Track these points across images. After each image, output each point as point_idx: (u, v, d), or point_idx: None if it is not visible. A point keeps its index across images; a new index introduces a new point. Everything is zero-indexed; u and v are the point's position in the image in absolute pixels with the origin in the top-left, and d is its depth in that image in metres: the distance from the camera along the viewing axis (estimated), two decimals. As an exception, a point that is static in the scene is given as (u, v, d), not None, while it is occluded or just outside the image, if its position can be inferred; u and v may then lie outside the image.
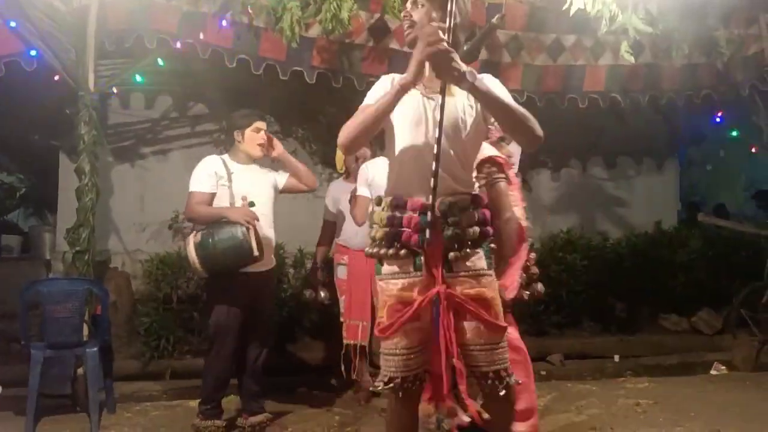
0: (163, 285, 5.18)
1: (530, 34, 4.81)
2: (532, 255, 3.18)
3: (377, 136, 2.35)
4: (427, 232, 2.08)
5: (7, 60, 4.22)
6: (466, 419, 2.41)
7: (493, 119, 2.24)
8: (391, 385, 2.18)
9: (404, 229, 2.16)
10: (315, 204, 5.05)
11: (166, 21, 4.33)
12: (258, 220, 3.51)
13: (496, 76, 2.32)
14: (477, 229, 2.19)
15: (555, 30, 4.81)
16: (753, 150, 8.35)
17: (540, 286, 3.14)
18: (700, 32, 4.86)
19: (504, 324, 2.22)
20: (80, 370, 4.08)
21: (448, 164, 2.17)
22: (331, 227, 4.49)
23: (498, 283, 2.36)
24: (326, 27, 4.15)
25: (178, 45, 4.41)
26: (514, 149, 3.12)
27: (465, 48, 2.37)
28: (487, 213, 2.26)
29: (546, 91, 4.94)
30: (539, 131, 2.12)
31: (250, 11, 4.28)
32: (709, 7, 4.76)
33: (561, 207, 6.80)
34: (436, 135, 2.08)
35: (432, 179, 2.06)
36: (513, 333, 2.84)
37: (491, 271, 2.25)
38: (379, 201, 2.29)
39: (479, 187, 2.67)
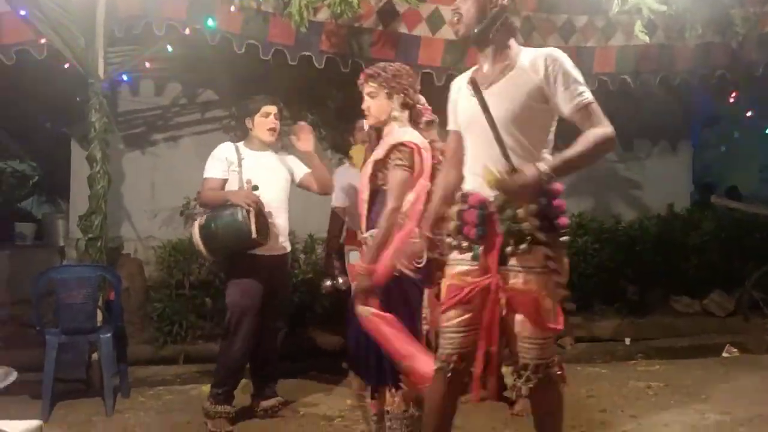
0: (175, 271, 5.23)
1: (542, 15, 4.76)
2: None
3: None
4: (479, 228, 2.22)
5: (17, 48, 4.23)
6: None
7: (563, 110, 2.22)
8: (440, 363, 2.30)
9: (466, 222, 2.28)
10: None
11: (175, 7, 4.33)
12: (260, 203, 3.50)
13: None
14: (536, 222, 2.17)
15: (567, 10, 4.76)
16: (768, 131, 8.25)
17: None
18: (715, 11, 4.78)
19: (549, 322, 2.23)
20: (94, 356, 4.14)
21: (498, 157, 2.18)
22: (341, 214, 4.48)
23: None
24: (335, 11, 4.13)
25: (187, 31, 4.40)
26: None
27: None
28: (556, 205, 2.22)
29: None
30: (611, 141, 2.17)
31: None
32: (725, -16, 4.69)
33: (573, 190, 6.72)
34: (485, 131, 2.19)
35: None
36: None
37: (548, 268, 2.22)
38: (459, 197, 2.40)
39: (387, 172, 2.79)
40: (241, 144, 3.75)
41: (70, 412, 3.87)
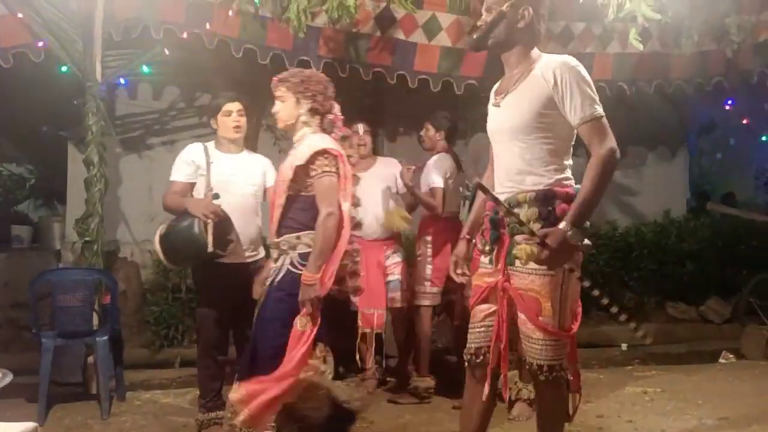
0: (171, 275, 5.22)
1: (540, 22, 4.78)
2: (356, 247, 3.11)
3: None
4: (492, 231, 2.36)
5: (14, 51, 4.23)
6: None
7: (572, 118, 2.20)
8: (466, 357, 2.45)
9: (486, 226, 2.42)
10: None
11: (173, 11, 4.33)
12: (220, 214, 3.32)
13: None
14: (538, 225, 2.22)
15: (565, 17, 4.77)
16: (764, 138, 8.29)
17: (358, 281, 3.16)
18: (711, 19, 4.80)
19: (546, 324, 2.25)
20: (90, 359, 4.13)
21: (512, 164, 2.30)
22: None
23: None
24: (332, 16, 4.14)
25: (185, 35, 4.41)
26: None
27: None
28: (562, 208, 2.24)
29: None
30: (613, 160, 2.16)
31: (256, 0, 4.28)
32: (720, -8, 4.72)
33: (569, 196, 6.76)
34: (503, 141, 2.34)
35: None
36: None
37: (552, 271, 2.25)
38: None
39: (310, 178, 2.83)
40: (211, 144, 3.60)
41: (66, 415, 3.85)
